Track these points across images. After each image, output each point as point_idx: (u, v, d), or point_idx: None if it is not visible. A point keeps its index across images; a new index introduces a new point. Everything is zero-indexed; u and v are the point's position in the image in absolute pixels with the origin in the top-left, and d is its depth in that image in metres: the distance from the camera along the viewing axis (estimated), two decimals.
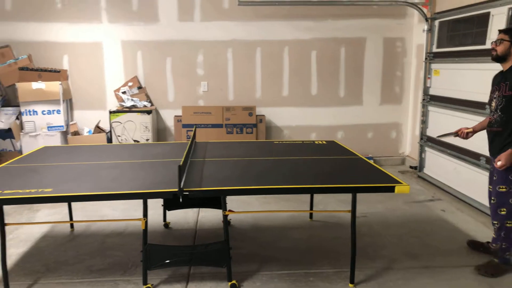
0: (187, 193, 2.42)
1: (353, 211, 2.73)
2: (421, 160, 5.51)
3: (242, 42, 5.71)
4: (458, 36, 4.74)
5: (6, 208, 2.65)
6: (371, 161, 3.20)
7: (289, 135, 6.00)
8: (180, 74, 5.74)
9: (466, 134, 3.24)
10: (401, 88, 6.01)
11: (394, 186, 2.53)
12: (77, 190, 2.46)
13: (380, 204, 4.37)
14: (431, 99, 5.28)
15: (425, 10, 5.30)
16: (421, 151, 5.50)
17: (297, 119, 5.96)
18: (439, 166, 5.06)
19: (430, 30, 5.26)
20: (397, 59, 5.92)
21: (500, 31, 2.93)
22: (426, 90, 5.38)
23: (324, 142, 3.93)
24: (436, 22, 5.17)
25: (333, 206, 4.35)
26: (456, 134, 3.28)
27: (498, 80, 2.96)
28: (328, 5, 5.59)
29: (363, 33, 5.81)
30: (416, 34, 5.76)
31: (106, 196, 2.48)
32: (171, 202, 3.61)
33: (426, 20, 5.26)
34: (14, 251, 3.25)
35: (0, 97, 5.31)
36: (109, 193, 2.43)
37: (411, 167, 5.83)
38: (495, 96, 2.95)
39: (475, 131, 3.24)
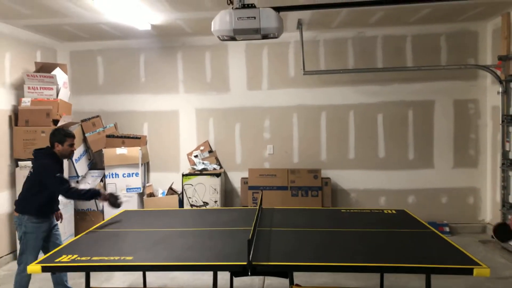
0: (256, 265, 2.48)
1: None
2: None
3: (307, 107, 5.89)
4: None
5: None
6: (447, 229, 3.03)
7: (356, 198, 5.88)
8: (247, 138, 6.01)
9: None
10: (476, 151, 5.70)
11: (472, 269, 2.37)
12: (154, 258, 2.62)
13: (459, 279, 4.02)
14: (511, 164, 4.93)
15: (498, 72, 5.14)
16: (504, 219, 5.06)
17: (364, 183, 5.85)
18: None
19: (505, 92, 5.04)
20: (470, 121, 5.69)
21: None
22: (505, 154, 5.05)
23: (394, 212, 3.81)
24: None
25: (406, 277, 4.10)
26: None
27: None
28: (393, 71, 5.64)
29: (432, 95, 5.72)
30: (491, 95, 5.53)
31: (180, 266, 2.61)
32: None
33: (500, 82, 5.07)
34: None
35: (89, 161, 5.93)
36: (183, 264, 2.57)
37: (493, 236, 5.35)
38: None
39: None
